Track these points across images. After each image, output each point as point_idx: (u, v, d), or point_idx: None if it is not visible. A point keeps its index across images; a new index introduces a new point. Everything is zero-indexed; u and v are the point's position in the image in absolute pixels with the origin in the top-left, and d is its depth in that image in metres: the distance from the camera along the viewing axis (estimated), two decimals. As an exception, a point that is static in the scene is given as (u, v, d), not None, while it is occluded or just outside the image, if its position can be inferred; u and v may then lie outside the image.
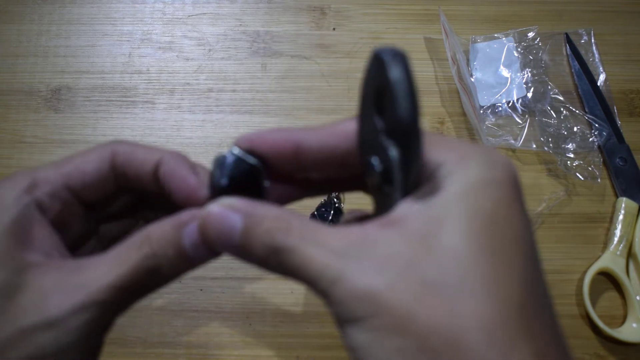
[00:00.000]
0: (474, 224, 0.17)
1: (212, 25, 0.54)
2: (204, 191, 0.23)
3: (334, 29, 0.54)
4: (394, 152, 0.18)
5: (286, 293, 0.45)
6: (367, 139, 0.20)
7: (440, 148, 0.19)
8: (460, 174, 0.18)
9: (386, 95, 0.18)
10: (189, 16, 0.54)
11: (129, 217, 0.27)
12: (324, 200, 0.47)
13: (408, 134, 0.18)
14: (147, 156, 0.24)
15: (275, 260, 0.19)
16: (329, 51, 0.53)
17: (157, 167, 0.23)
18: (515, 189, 0.18)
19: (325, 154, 0.21)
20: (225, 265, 0.45)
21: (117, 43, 0.53)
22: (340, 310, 0.18)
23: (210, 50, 0.53)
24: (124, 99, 0.51)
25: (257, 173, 0.22)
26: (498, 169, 0.18)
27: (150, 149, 0.24)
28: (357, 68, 0.52)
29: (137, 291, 0.21)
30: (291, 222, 0.19)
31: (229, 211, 0.20)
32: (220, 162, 0.22)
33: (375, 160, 0.19)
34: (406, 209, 0.18)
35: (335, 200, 0.47)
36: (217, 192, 0.22)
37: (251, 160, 0.22)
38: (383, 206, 0.20)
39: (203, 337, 0.43)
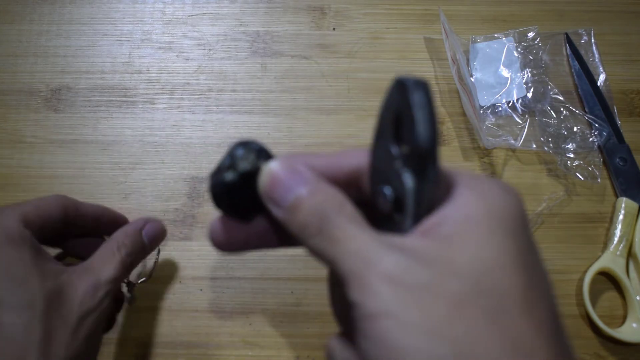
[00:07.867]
0: (509, 253, 0.18)
1: (212, 25, 0.54)
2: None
3: (334, 29, 0.54)
4: (409, 179, 0.19)
5: (286, 293, 0.45)
6: (380, 166, 0.21)
7: (452, 172, 0.20)
8: (478, 193, 0.19)
9: (406, 120, 0.18)
10: (189, 16, 0.54)
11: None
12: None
13: (425, 159, 0.18)
14: (89, 210, 0.37)
15: (319, 235, 0.19)
16: (329, 51, 0.53)
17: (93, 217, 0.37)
18: (524, 215, 0.20)
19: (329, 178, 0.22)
20: (225, 265, 0.45)
21: (117, 43, 0.53)
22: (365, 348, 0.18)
23: (210, 50, 0.53)
24: (124, 99, 0.51)
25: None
26: (511, 193, 0.20)
27: (87, 206, 0.37)
28: (357, 68, 0.52)
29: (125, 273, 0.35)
30: (345, 205, 0.20)
31: (291, 173, 0.21)
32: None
33: (387, 189, 0.20)
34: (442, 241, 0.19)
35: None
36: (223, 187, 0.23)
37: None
38: (389, 232, 0.20)
39: (203, 337, 0.43)
